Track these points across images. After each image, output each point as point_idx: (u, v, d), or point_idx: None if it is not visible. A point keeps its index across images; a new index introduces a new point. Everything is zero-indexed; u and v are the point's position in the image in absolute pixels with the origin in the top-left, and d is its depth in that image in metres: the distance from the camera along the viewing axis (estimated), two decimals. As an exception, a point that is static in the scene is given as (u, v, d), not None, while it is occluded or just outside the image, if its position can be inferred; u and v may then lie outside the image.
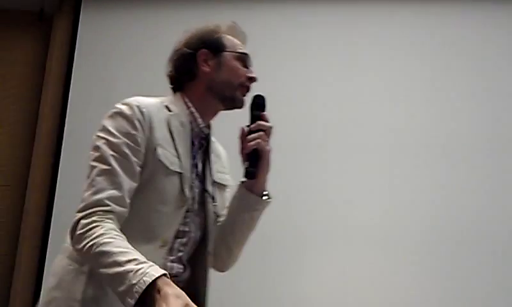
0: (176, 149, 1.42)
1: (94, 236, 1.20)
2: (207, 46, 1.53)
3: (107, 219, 1.25)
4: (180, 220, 1.41)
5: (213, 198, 1.53)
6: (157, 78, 3.14)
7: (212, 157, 1.58)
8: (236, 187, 1.57)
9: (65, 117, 3.25)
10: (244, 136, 1.49)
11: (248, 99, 1.55)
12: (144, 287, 1.08)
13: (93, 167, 1.33)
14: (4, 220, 3.29)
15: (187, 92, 1.53)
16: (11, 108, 3.53)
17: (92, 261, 1.21)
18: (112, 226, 1.24)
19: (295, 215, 2.92)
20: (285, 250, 2.88)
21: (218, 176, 1.59)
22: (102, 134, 1.37)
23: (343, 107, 3.09)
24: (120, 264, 1.13)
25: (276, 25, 3.26)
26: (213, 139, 1.61)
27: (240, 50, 1.55)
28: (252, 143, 1.46)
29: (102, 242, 1.18)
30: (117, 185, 1.30)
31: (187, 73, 1.53)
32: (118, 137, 1.35)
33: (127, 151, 1.33)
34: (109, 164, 1.31)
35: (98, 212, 1.26)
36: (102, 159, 1.33)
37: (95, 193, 1.28)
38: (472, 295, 2.74)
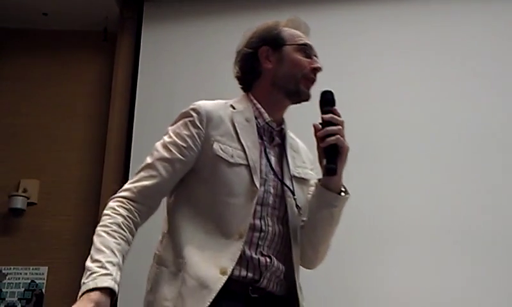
0: (240, 143, 1.43)
1: (101, 222, 1.30)
2: (267, 42, 1.52)
3: (125, 208, 1.33)
4: (252, 212, 1.40)
5: (292, 192, 1.49)
6: (219, 90, 3.24)
7: (289, 152, 1.55)
8: (314, 185, 1.54)
9: (132, 132, 3.37)
10: (318, 133, 1.44)
11: (316, 92, 1.50)
12: (84, 290, 1.16)
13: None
14: (78, 233, 3.44)
15: (254, 90, 1.54)
16: (80, 126, 3.69)
17: None
18: (123, 216, 1.32)
19: (370, 214, 2.91)
20: (359, 248, 2.87)
21: (297, 171, 1.55)
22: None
23: (414, 108, 3.05)
24: (90, 258, 1.23)
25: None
26: (291, 134, 1.60)
27: (300, 42, 1.52)
28: (332, 138, 1.41)
29: (98, 231, 1.29)
30: (150, 179, 1.38)
31: (251, 72, 1.54)
32: (170, 136, 1.43)
33: (173, 149, 1.40)
34: (152, 160, 1.40)
35: (122, 199, 1.34)
36: (150, 155, 1.42)
37: (130, 182, 1.39)
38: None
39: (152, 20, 3.56)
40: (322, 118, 1.44)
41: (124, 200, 1.34)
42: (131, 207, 1.34)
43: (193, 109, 1.45)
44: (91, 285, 1.16)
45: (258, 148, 1.46)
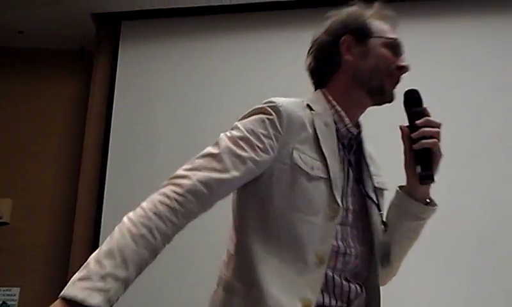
0: (321, 153, 1.24)
1: (137, 211, 1.09)
2: (351, 31, 1.33)
3: (170, 206, 1.09)
4: (334, 233, 1.22)
5: (378, 206, 1.32)
6: (196, 109, 3.27)
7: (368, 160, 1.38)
8: (394, 193, 1.38)
9: (108, 150, 3.35)
10: (407, 137, 1.29)
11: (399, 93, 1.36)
12: (69, 294, 0.96)
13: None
14: (52, 253, 3.39)
15: (330, 87, 1.35)
16: (55, 144, 3.65)
17: None
18: (162, 219, 1.08)
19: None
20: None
21: (377, 180, 1.38)
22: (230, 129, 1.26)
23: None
24: (97, 256, 1.02)
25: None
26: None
27: (389, 36, 1.34)
28: (429, 141, 1.25)
29: (125, 224, 1.07)
30: (213, 171, 1.15)
31: (328, 63, 1.35)
32: (241, 131, 1.21)
33: (245, 146, 1.19)
34: (218, 151, 1.18)
35: (173, 192, 1.11)
36: (213, 146, 1.20)
37: (185, 169, 1.16)
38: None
39: (129, 39, 3.56)
40: (411, 119, 1.30)
41: (174, 194, 1.10)
42: (178, 207, 1.09)
43: (272, 107, 1.24)
44: (79, 296, 0.95)
45: (338, 159, 1.27)
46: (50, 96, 3.77)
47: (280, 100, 1.25)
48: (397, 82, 1.33)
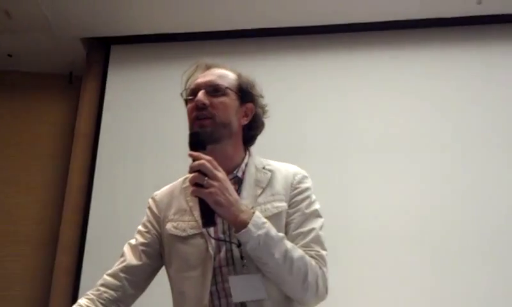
0: (192, 215, 1.45)
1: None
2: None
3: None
4: (209, 281, 1.36)
5: (237, 243, 1.37)
6: (183, 137, 3.24)
7: (246, 193, 1.44)
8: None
9: (93, 175, 3.33)
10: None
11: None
12: None
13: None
14: (34, 279, 3.33)
15: None
16: (41, 168, 3.62)
17: None
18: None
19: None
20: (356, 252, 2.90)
21: (263, 208, 1.42)
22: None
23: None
24: None
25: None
26: (267, 166, 1.53)
27: (187, 94, 1.55)
28: (191, 191, 1.31)
29: None
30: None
31: None
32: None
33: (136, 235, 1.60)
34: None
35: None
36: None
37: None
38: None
39: (118, 64, 3.58)
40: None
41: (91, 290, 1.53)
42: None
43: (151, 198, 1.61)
44: None
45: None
46: (36, 119, 3.74)
47: (157, 191, 1.61)
48: (197, 118, 1.46)
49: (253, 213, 1.33)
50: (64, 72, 3.76)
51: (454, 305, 2.76)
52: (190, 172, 1.31)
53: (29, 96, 3.81)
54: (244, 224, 1.30)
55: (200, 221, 1.36)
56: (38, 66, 3.80)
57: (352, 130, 3.20)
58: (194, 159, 1.32)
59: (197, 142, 1.36)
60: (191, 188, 1.30)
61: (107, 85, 3.52)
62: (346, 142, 3.17)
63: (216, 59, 1.58)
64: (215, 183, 1.29)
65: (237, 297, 1.34)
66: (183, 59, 3.45)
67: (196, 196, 1.31)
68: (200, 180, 1.28)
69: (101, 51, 3.62)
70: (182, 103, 3.66)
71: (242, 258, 1.36)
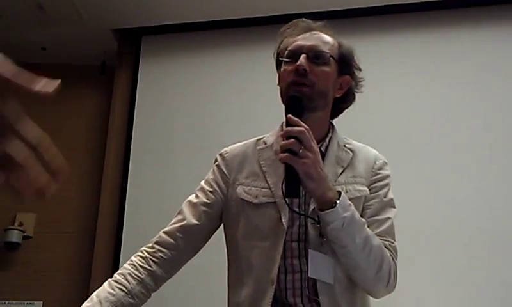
0: (266, 181, 1.37)
1: None
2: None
3: (142, 250, 1.43)
4: (280, 254, 1.31)
5: (316, 219, 1.30)
6: (218, 124, 3.27)
7: (327, 169, 1.33)
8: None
9: (128, 166, 3.37)
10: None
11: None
12: None
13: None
14: (74, 266, 3.42)
15: None
16: (77, 159, 3.68)
17: None
18: (132, 259, 1.44)
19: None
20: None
21: (347, 188, 1.37)
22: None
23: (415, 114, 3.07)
24: None
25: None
26: (350, 145, 1.46)
27: (285, 55, 1.41)
28: (281, 157, 1.23)
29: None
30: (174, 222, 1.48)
31: None
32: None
33: (198, 193, 1.52)
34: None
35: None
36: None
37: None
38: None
39: (149, 54, 3.59)
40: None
41: (144, 248, 1.47)
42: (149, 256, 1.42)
43: (219, 155, 1.52)
44: None
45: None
46: (71, 111, 3.81)
47: (227, 148, 1.50)
48: (295, 84, 1.34)
49: (339, 193, 1.28)
50: (96, 63, 3.80)
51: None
52: (284, 136, 1.24)
53: (63, 88, 3.77)
54: (330, 203, 1.25)
55: (274, 189, 1.33)
56: (70, 59, 3.85)
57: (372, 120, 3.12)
58: (291, 124, 1.25)
59: (297, 108, 1.28)
60: (281, 154, 1.22)
61: (139, 75, 3.55)
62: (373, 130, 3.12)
63: (301, 26, 1.46)
64: (310, 155, 1.22)
65: (312, 272, 1.29)
66: (214, 48, 3.50)
67: (284, 163, 1.24)
68: (296, 146, 1.21)
69: (132, 42, 3.64)
70: (215, 91, 3.68)
71: (321, 235, 1.31)
